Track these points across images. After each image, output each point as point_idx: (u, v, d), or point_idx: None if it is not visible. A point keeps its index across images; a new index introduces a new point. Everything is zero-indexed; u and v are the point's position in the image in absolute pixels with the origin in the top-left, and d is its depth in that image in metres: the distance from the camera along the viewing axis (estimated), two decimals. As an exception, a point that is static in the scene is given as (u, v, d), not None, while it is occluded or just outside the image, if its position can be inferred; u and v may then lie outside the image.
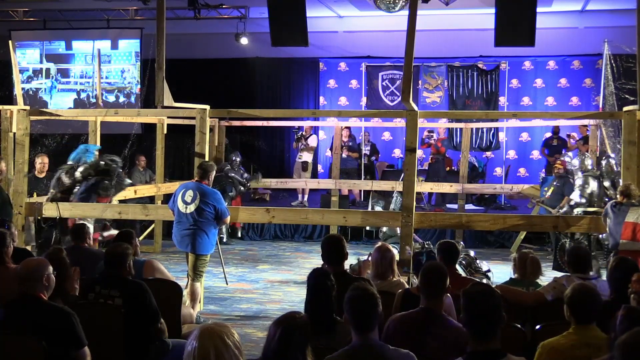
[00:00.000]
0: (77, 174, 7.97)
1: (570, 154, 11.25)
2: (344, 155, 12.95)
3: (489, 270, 7.65)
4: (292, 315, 2.89)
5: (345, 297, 3.16)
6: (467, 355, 2.91)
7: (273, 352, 2.78)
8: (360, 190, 13.25)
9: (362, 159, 13.36)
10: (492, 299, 2.99)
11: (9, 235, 4.94)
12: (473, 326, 2.95)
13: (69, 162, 8.19)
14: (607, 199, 8.68)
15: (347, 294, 3.16)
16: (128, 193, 9.96)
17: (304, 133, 13.29)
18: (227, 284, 8.50)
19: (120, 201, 9.10)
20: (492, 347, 2.90)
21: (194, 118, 7.45)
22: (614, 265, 4.22)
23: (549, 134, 13.70)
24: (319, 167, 15.47)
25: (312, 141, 13.41)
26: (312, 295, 3.70)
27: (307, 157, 13.28)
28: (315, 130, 15.85)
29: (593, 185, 8.67)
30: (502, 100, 14.84)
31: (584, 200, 8.60)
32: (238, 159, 11.68)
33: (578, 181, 8.89)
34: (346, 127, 13.20)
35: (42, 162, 9.07)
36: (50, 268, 3.79)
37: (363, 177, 13.20)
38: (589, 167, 9.03)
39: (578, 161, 9.23)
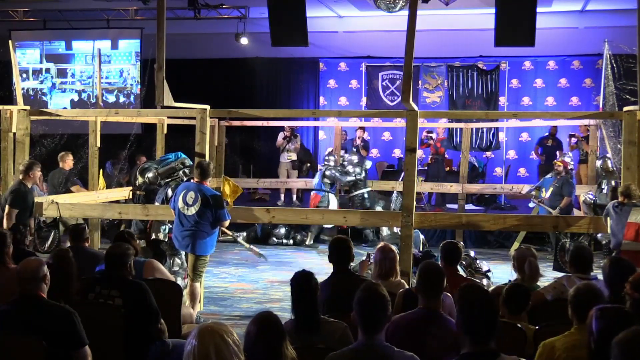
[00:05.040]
0: (151, 175, 8.08)
1: (570, 154, 11.26)
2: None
3: (489, 270, 7.65)
4: (266, 313, 3.03)
5: (355, 297, 3.17)
6: (460, 356, 2.90)
7: (253, 348, 2.86)
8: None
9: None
10: (491, 303, 2.98)
11: (9, 235, 4.95)
12: (470, 329, 2.92)
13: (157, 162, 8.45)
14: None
15: (357, 294, 3.17)
16: (127, 193, 9.97)
17: (287, 133, 13.30)
18: (266, 259, 8.79)
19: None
20: (487, 348, 2.90)
21: (194, 118, 7.45)
22: (608, 266, 4.21)
23: (547, 133, 13.67)
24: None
25: (298, 140, 13.46)
26: (296, 296, 3.73)
27: (294, 157, 13.34)
28: (315, 130, 15.90)
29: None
30: (502, 100, 14.85)
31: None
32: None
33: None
34: (360, 128, 13.24)
35: (68, 159, 10.09)
36: (46, 267, 3.80)
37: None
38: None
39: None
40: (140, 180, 8.21)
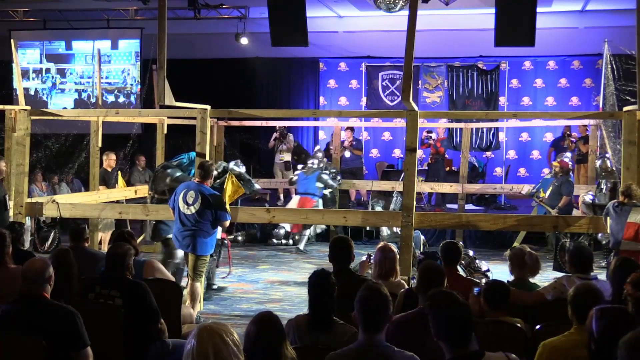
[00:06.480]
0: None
1: (568, 154, 11.25)
2: (347, 156, 12.94)
3: (488, 270, 7.65)
4: (266, 313, 3.06)
5: (356, 296, 3.18)
6: None
7: (252, 348, 2.88)
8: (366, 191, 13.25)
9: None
10: (460, 305, 2.98)
11: (9, 235, 4.95)
12: (445, 335, 2.93)
13: (174, 162, 8.20)
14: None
15: (359, 293, 3.18)
16: (128, 193, 9.98)
17: (277, 135, 13.25)
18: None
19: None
20: (468, 351, 2.90)
21: (194, 118, 7.45)
22: (617, 266, 4.21)
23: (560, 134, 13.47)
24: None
25: (290, 140, 13.43)
26: (314, 295, 3.74)
27: (288, 157, 13.31)
28: (315, 130, 15.88)
29: None
30: (502, 100, 14.84)
31: None
32: None
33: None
34: (348, 128, 13.16)
35: (110, 158, 10.46)
36: (52, 269, 3.80)
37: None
38: None
39: None
40: (167, 185, 7.85)
